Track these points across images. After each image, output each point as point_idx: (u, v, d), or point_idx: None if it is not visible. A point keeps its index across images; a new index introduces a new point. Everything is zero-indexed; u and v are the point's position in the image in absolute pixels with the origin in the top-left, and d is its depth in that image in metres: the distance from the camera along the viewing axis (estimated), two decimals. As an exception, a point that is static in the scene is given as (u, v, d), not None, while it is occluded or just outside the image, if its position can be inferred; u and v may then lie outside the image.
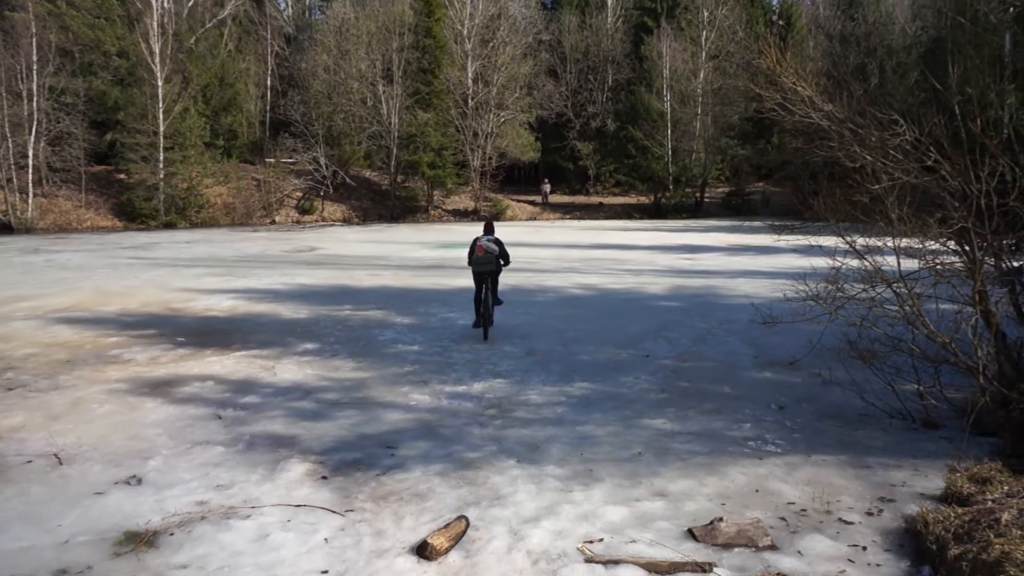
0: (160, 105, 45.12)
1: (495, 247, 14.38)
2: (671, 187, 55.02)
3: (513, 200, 58.61)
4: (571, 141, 61.07)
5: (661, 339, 14.31)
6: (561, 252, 29.60)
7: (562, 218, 54.55)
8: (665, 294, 19.19)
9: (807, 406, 10.51)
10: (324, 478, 8.36)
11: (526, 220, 53.51)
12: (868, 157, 9.49)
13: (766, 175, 57.99)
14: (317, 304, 17.93)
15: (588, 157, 60.59)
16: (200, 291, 19.81)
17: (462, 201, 56.56)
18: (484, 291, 14.42)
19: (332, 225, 48.51)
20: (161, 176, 44.98)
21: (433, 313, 16.75)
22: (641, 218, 53.58)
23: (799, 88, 10.32)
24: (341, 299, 18.64)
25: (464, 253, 20.38)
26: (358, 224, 49.29)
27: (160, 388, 11.36)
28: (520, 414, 10.24)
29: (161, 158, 44.99)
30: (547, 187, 59.59)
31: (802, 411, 10.32)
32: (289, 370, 12.30)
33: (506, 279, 20.29)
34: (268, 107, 57.23)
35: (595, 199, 60.39)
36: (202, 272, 23.83)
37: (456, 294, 19.02)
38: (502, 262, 14.51)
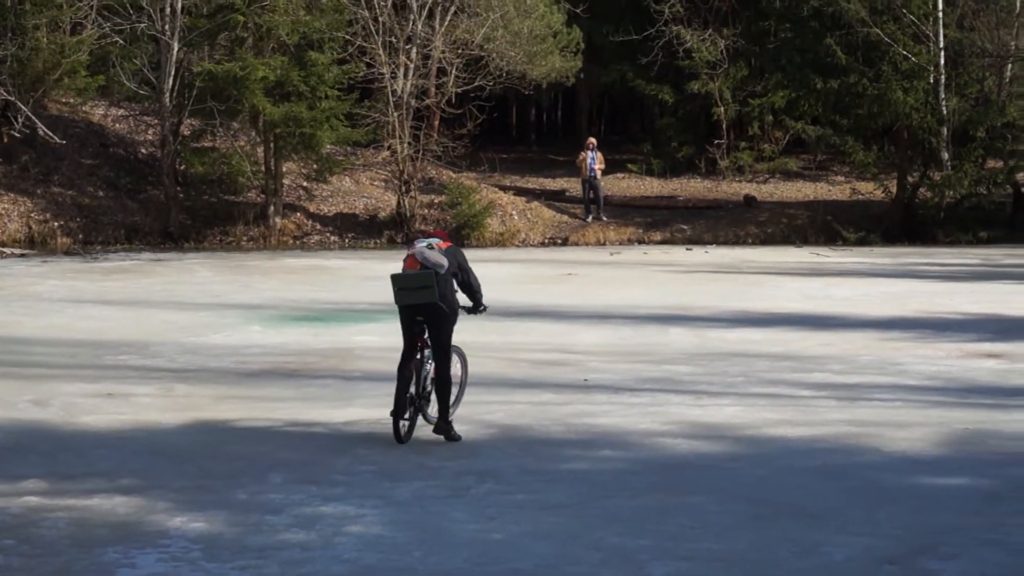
0: None
1: (439, 257, 8.10)
2: (946, 157, 25.33)
3: (503, 190, 27.76)
4: (664, 29, 28.22)
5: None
6: (635, 335, 13.43)
7: (637, 239, 25.97)
8: (932, 455, 8.18)
9: None
10: None
11: (539, 244, 25.65)
12: None
13: None
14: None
15: (714, 75, 28.72)
16: None
17: (363, 191, 26.71)
18: (418, 351, 8.22)
19: (-2, 255, 21.23)
20: None
21: (275, 501, 6.75)
22: (861, 242, 25.07)
23: None
24: (15, 462, 7.73)
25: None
26: (69, 254, 22.34)
27: None
28: None
29: None
30: (594, 157, 26.28)
31: None
32: None
33: (488, 400, 9.49)
34: None
35: (728, 188, 28.76)
36: None
37: (345, 443, 8.17)
38: (464, 293, 8.49)
